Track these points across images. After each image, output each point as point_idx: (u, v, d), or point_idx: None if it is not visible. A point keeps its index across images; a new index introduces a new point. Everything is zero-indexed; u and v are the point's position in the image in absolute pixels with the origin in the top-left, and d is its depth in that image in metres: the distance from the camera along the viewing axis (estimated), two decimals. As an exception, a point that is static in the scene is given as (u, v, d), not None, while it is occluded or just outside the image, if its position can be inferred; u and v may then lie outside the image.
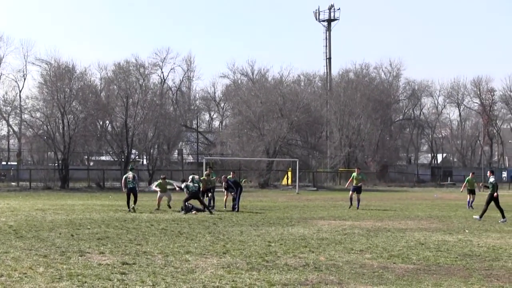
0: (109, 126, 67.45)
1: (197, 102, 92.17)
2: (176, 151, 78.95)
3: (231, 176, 28.31)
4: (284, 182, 62.78)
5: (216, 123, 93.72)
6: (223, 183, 27.10)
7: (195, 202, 25.01)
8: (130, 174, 25.86)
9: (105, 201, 32.73)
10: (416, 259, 13.01)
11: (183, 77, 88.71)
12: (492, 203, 22.87)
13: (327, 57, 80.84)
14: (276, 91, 66.57)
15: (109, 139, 61.37)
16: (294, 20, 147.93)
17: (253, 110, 61.97)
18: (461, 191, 33.33)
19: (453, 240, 16.39)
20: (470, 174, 32.56)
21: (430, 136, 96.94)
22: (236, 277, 10.72)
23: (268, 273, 11.13)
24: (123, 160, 55.88)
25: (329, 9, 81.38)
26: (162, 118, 61.11)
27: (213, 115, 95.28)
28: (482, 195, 30.04)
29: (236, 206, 26.13)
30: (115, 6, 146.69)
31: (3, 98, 68.28)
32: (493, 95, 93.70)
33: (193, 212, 24.35)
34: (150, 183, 54.69)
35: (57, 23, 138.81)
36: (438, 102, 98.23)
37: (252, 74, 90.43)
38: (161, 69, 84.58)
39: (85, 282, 10.06)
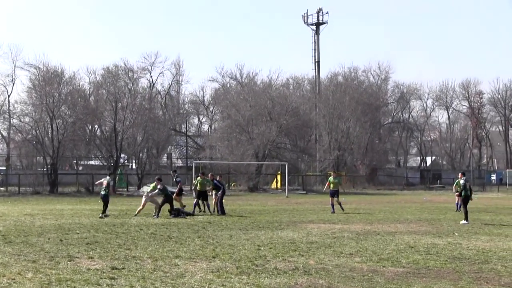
0: (98, 130, 67.14)
1: (186, 106, 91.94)
2: (165, 155, 78.72)
3: (218, 178, 28.42)
4: (274, 185, 62.79)
5: (205, 127, 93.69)
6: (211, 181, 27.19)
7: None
8: (104, 180, 25.19)
9: (94, 205, 32.59)
10: (405, 262, 13.03)
11: (172, 81, 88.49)
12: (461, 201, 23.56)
13: (316, 60, 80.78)
14: (265, 94, 66.56)
15: (98, 143, 61.09)
16: (283, 24, 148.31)
17: (242, 113, 61.98)
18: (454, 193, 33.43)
19: (442, 243, 16.44)
20: (459, 175, 32.52)
21: (419, 139, 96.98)
22: (226, 281, 10.72)
23: (258, 277, 11.13)
24: (112, 164, 55.71)
25: (318, 12, 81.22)
26: (151, 122, 61.03)
27: (202, 119, 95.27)
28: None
29: (219, 208, 26.24)
30: (103, 11, 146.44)
31: (-9, 103, 67.92)
32: (482, 98, 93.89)
33: (183, 215, 24.42)
34: (139, 187, 54.58)
35: (46, 28, 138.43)
36: (426, 105, 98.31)
37: (241, 77, 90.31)
38: (150, 73, 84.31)
39: (74, 287, 10.05)
